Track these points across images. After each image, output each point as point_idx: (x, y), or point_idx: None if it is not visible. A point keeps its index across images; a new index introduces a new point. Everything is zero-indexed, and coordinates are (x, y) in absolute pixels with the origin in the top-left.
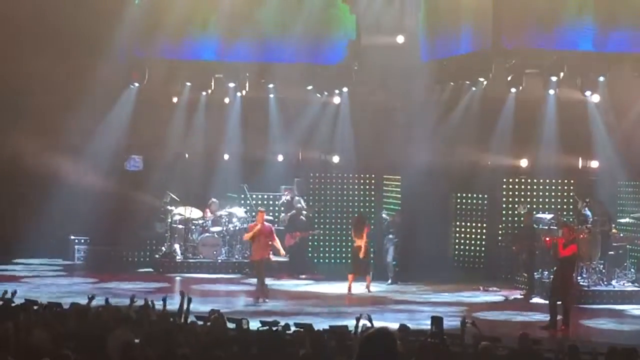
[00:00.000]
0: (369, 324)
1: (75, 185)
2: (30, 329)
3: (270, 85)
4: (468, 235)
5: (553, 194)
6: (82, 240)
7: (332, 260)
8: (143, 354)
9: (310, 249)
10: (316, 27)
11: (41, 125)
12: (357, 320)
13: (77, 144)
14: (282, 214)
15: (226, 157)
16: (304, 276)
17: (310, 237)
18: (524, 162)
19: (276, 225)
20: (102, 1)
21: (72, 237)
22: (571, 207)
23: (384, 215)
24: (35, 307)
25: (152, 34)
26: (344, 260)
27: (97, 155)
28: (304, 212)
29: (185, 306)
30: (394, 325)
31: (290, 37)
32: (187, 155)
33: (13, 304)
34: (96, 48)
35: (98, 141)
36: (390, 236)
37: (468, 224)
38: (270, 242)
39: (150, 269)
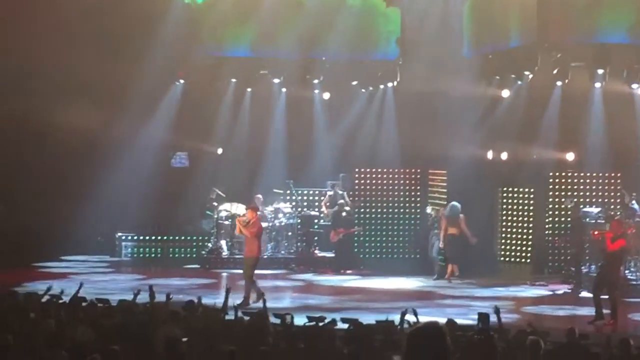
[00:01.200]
0: (414, 319)
1: (122, 182)
2: (76, 325)
3: (315, 81)
4: (514, 230)
5: (600, 187)
6: (129, 237)
7: (378, 256)
8: (190, 350)
9: (356, 245)
10: (361, 22)
11: (88, 123)
12: (403, 315)
13: (124, 142)
14: (327, 210)
15: (271, 152)
16: (349, 271)
17: (354, 233)
18: (570, 156)
19: (322, 221)
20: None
21: (119, 234)
22: (618, 200)
23: (428, 211)
24: (83, 304)
25: (197, 31)
26: (389, 256)
27: (143, 152)
28: (347, 209)
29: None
30: (441, 320)
31: (335, 33)
32: (232, 152)
33: (60, 301)
34: (143, 46)
35: (144, 138)
36: (436, 231)
37: (514, 218)
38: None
39: (197, 265)
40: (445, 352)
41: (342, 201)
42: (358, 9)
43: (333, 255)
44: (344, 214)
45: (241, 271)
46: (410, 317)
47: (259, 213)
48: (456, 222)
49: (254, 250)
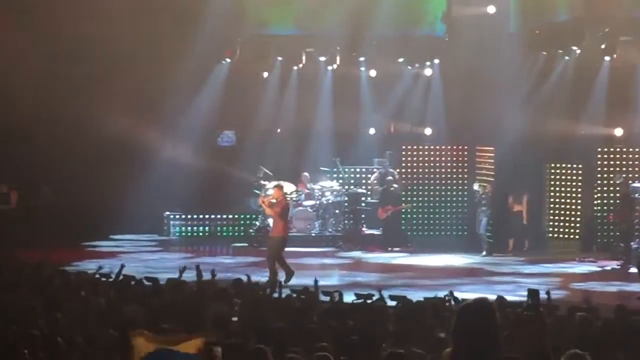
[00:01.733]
0: (462, 297)
1: (169, 161)
2: (126, 303)
3: (361, 59)
4: (562, 206)
5: None
6: (177, 216)
7: (425, 233)
8: (239, 328)
9: (404, 222)
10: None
11: (136, 102)
12: (451, 292)
13: (171, 120)
14: (375, 187)
15: (318, 131)
16: (397, 249)
17: (402, 211)
18: (618, 131)
19: (369, 198)
20: None
21: (167, 213)
22: None
23: (475, 187)
24: (132, 282)
25: (243, 10)
26: (437, 233)
27: (190, 131)
28: (395, 186)
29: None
30: (491, 297)
31: (381, 10)
32: (279, 130)
33: (110, 279)
34: (189, 25)
35: (191, 117)
36: (483, 208)
37: (562, 194)
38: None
39: (245, 244)
40: (494, 328)
41: (389, 178)
42: None
43: (381, 232)
44: (392, 189)
45: (288, 249)
46: (458, 295)
47: (306, 190)
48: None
49: (280, 230)
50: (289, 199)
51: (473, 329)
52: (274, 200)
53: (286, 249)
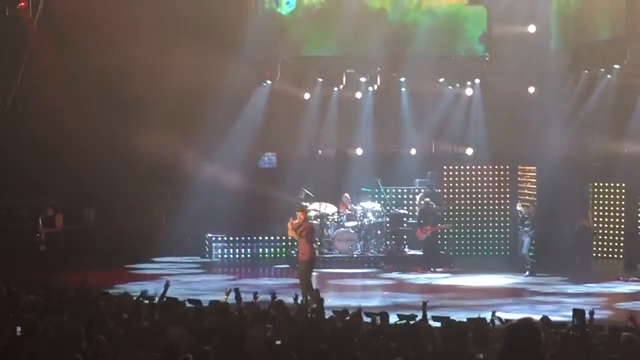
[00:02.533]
0: (505, 317)
1: (210, 183)
2: (169, 325)
3: (402, 79)
4: (606, 225)
5: None
6: (219, 238)
7: (468, 253)
8: (283, 350)
9: (445, 242)
10: (447, 18)
11: (177, 124)
12: (493, 313)
13: (212, 142)
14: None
15: (359, 151)
16: (439, 269)
17: (441, 231)
18: None
19: (411, 219)
20: (235, 1)
21: (209, 235)
22: None
23: (518, 207)
24: (176, 305)
25: (283, 31)
26: (479, 253)
27: (231, 153)
28: (433, 205)
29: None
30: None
31: (421, 29)
32: (320, 151)
33: (154, 302)
34: (229, 46)
35: (232, 139)
36: (526, 228)
37: (605, 213)
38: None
39: (287, 265)
40: (540, 347)
41: (427, 199)
42: (443, 11)
43: (421, 253)
44: (431, 209)
45: (330, 270)
46: (501, 315)
47: (347, 211)
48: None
49: (306, 253)
50: (331, 220)
51: (519, 348)
52: (296, 221)
53: (329, 271)
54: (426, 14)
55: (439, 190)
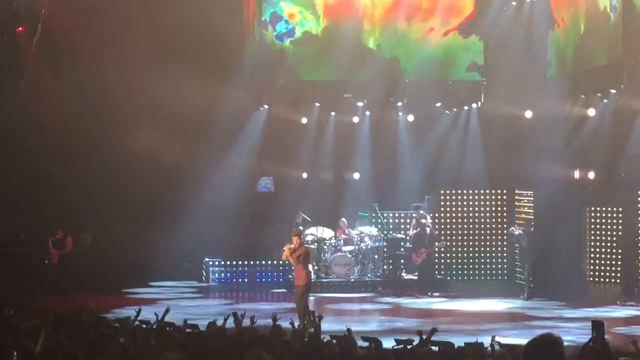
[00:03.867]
0: (502, 341)
1: (207, 208)
2: (165, 350)
3: (399, 103)
4: (603, 250)
5: None
6: (216, 262)
7: (465, 278)
8: None
9: (443, 267)
10: (443, 44)
11: (175, 148)
12: (492, 338)
13: (209, 167)
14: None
15: (356, 176)
16: (437, 294)
17: (437, 253)
18: None
19: (407, 244)
20: (232, 26)
21: (207, 259)
22: None
23: (515, 232)
24: (172, 329)
25: (281, 56)
26: (476, 277)
27: (228, 177)
28: (428, 227)
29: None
30: None
31: (418, 55)
32: (317, 175)
33: (147, 326)
34: (227, 71)
35: (229, 163)
36: (524, 253)
37: (603, 237)
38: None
39: (284, 290)
40: None
41: (422, 221)
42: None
43: (416, 277)
44: (425, 232)
45: (329, 295)
46: (500, 340)
47: (344, 236)
48: None
49: (302, 278)
50: (328, 244)
51: None
52: (292, 245)
53: (327, 295)
54: (420, 45)
55: (425, 213)
